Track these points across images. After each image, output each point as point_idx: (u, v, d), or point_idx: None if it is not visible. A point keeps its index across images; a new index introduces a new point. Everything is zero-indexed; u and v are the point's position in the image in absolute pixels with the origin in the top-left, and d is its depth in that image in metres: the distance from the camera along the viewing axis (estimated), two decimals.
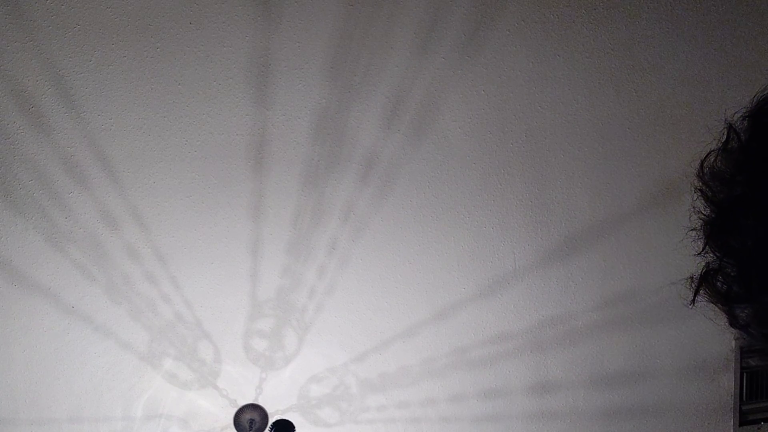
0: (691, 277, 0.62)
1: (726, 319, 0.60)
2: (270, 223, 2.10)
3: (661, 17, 1.75)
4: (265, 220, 2.09)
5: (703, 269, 0.60)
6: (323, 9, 1.69)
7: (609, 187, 2.09)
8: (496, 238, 2.19)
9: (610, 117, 1.94)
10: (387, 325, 2.38)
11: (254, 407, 2.40)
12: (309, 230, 2.12)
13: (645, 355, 2.48)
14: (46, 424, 2.43)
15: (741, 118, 0.57)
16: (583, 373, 2.52)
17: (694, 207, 0.60)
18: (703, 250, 0.60)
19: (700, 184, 0.60)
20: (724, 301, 0.59)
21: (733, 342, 2.44)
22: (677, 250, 2.19)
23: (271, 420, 2.37)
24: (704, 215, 0.60)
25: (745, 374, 2.49)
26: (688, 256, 0.63)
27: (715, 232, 0.59)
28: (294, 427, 2.23)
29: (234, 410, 2.41)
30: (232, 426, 2.40)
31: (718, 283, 0.59)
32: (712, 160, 0.59)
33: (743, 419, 2.55)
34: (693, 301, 0.62)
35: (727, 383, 2.53)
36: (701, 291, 0.60)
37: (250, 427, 2.35)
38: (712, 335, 2.40)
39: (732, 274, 0.58)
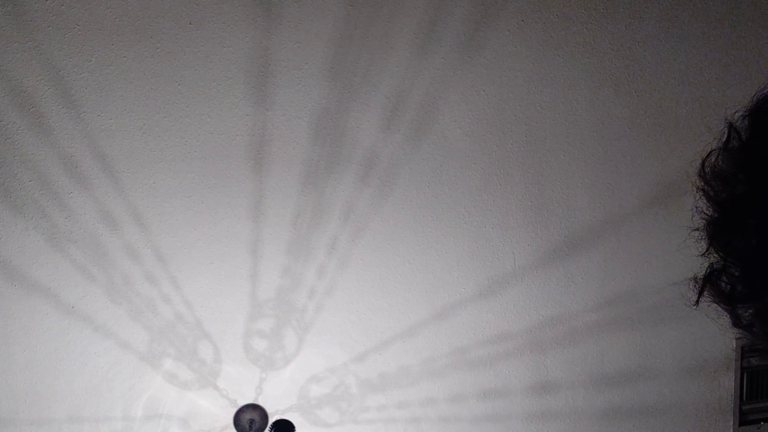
0: (695, 278, 0.62)
1: (729, 319, 0.60)
2: (270, 223, 2.10)
3: (661, 17, 1.75)
4: (265, 220, 2.09)
5: (706, 270, 0.60)
6: (323, 9, 1.69)
7: (609, 187, 2.09)
8: (496, 238, 2.19)
9: (610, 117, 1.94)
10: (387, 325, 2.38)
11: (254, 407, 2.40)
12: (309, 230, 2.12)
13: (645, 355, 2.48)
14: (46, 424, 2.43)
15: (741, 117, 0.57)
16: (583, 373, 2.52)
17: (696, 207, 0.60)
18: (706, 251, 0.60)
19: (702, 183, 0.59)
20: (728, 301, 0.59)
21: (734, 342, 2.44)
22: (678, 249, 2.19)
23: (271, 420, 2.37)
24: (707, 215, 0.60)
25: (745, 374, 2.49)
26: (688, 256, 0.63)
27: (718, 231, 0.59)
28: (294, 427, 2.23)
29: (234, 410, 2.41)
30: (232, 426, 2.40)
31: (722, 283, 0.59)
32: (714, 159, 0.59)
33: (743, 419, 2.55)
34: (697, 302, 0.61)
35: (728, 383, 2.53)
36: (705, 292, 0.60)
37: (250, 427, 2.35)
38: (712, 335, 2.40)
39: (736, 274, 0.57)
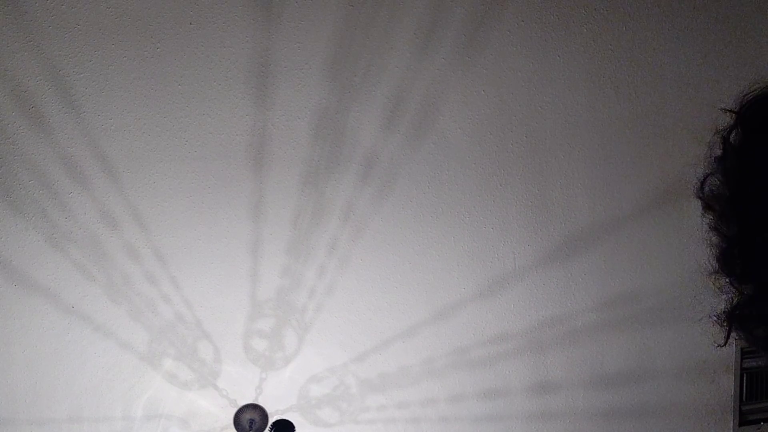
0: (718, 316, 0.59)
1: (748, 341, 0.57)
2: (270, 223, 2.10)
3: (660, 18, 1.75)
4: (265, 220, 2.09)
5: (728, 307, 0.57)
6: (323, 9, 1.69)
7: (609, 187, 2.08)
8: (496, 238, 2.19)
9: (610, 118, 1.94)
10: (387, 325, 2.38)
11: (254, 407, 2.40)
12: (309, 230, 2.12)
13: (645, 356, 2.47)
14: (46, 424, 2.43)
15: (731, 125, 0.55)
16: (583, 373, 2.52)
17: (709, 241, 0.58)
18: (725, 285, 0.57)
19: (708, 211, 0.57)
20: (757, 326, 0.56)
21: (734, 343, 2.44)
22: (677, 250, 2.20)
23: (271, 420, 2.37)
24: (719, 246, 0.57)
25: (745, 375, 2.49)
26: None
27: (736, 263, 0.56)
28: (294, 427, 2.23)
29: (234, 410, 2.41)
30: (232, 426, 2.40)
31: (745, 312, 0.56)
32: (714, 184, 0.57)
33: (743, 420, 2.55)
34: (725, 343, 0.59)
35: (727, 384, 2.53)
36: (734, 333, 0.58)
37: (250, 427, 2.35)
38: (712, 336, 2.39)
39: (761, 303, 0.55)
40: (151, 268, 2.15)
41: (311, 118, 1.89)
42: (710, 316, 0.59)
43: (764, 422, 2.55)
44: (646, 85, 1.87)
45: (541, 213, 2.14)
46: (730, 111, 0.56)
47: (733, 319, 0.57)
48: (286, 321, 2.34)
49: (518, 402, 2.59)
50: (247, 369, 2.41)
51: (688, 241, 2.14)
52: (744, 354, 2.44)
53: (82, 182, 1.94)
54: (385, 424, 2.60)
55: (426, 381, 2.53)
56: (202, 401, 2.47)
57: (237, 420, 2.39)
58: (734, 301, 0.57)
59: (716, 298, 0.59)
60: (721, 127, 0.57)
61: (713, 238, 0.58)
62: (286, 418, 2.31)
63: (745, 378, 2.49)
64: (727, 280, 0.57)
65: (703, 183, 0.58)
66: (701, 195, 0.58)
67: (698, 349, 2.45)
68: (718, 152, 0.57)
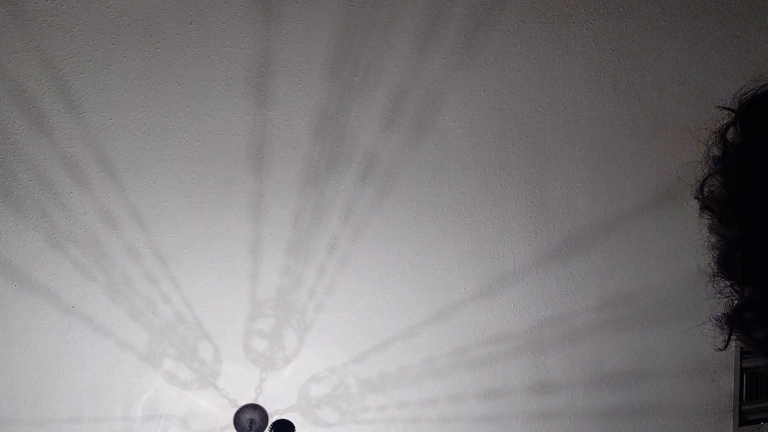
0: (718, 319, 0.58)
1: (746, 343, 0.57)
2: (270, 223, 2.10)
3: (660, 18, 1.75)
4: (265, 220, 2.09)
5: (728, 310, 0.57)
6: (323, 9, 1.69)
7: (609, 187, 2.09)
8: (496, 238, 2.19)
9: (610, 117, 1.94)
10: (387, 325, 2.38)
11: (254, 407, 2.40)
12: (309, 230, 2.12)
13: (645, 356, 2.48)
14: (46, 424, 2.43)
15: (729, 124, 0.55)
16: (583, 373, 2.52)
17: (708, 243, 0.57)
18: (724, 289, 0.56)
19: (707, 213, 0.56)
20: (756, 329, 0.56)
21: (733, 343, 2.43)
22: (677, 250, 2.20)
23: (271, 420, 2.37)
24: (719, 249, 0.56)
25: (745, 375, 2.50)
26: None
27: (737, 267, 0.55)
28: (294, 427, 2.23)
29: (234, 410, 2.41)
30: (232, 426, 2.40)
31: (746, 315, 0.55)
32: (713, 185, 0.56)
33: (743, 419, 2.55)
34: (725, 347, 0.58)
35: (727, 384, 2.53)
36: (734, 336, 0.57)
37: (250, 427, 2.35)
38: (712, 340, 2.39)
39: (761, 306, 0.54)
40: (151, 268, 2.15)
41: (311, 118, 1.89)
42: (710, 319, 0.59)
43: (764, 422, 2.55)
44: (646, 85, 1.88)
45: (541, 213, 2.14)
46: (729, 109, 0.55)
47: (734, 323, 0.57)
48: (286, 321, 2.34)
49: (518, 402, 2.59)
50: (247, 369, 2.41)
51: (688, 241, 2.14)
52: (744, 354, 2.44)
53: (82, 182, 1.94)
54: (385, 424, 2.60)
55: (426, 381, 2.53)
56: (202, 401, 2.47)
57: (237, 420, 2.39)
58: (734, 304, 0.57)
59: (716, 300, 0.58)
60: (717, 126, 0.56)
61: (713, 240, 0.57)
62: (286, 418, 2.31)
63: (745, 378, 2.50)
64: (728, 283, 0.56)
65: (702, 184, 0.57)
66: (700, 196, 0.57)
67: (698, 349, 2.45)
68: (716, 152, 0.56)
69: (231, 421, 2.40)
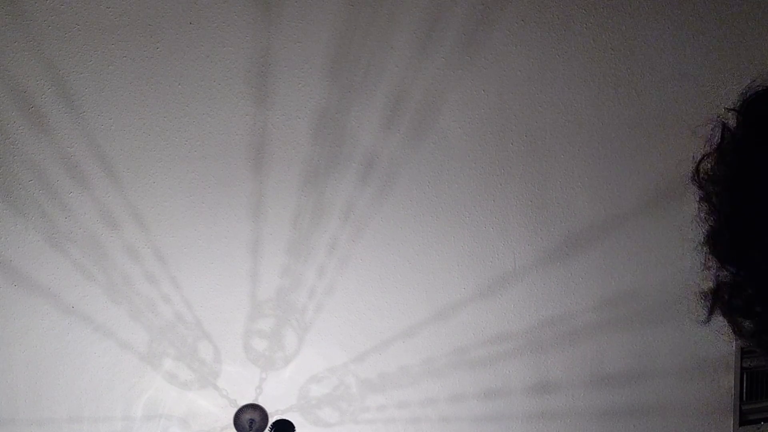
0: (703, 293, 0.59)
1: (734, 331, 0.57)
2: (270, 223, 2.10)
3: (661, 17, 1.75)
4: (265, 220, 2.09)
5: (715, 284, 0.57)
6: (323, 9, 1.69)
7: (609, 187, 2.09)
8: (496, 238, 2.19)
9: (610, 117, 1.94)
10: (387, 325, 2.38)
11: (254, 407, 2.40)
12: (309, 230, 2.12)
13: (645, 355, 2.48)
14: (46, 424, 2.43)
15: (732, 115, 0.55)
16: (583, 373, 2.52)
17: (698, 217, 0.58)
18: (708, 264, 0.57)
19: (701, 191, 0.57)
20: (738, 316, 0.56)
21: (734, 342, 2.44)
22: (677, 249, 2.20)
23: (271, 420, 2.37)
24: (710, 225, 0.57)
25: (745, 374, 2.50)
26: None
27: (725, 244, 0.56)
28: (294, 427, 2.23)
29: (234, 410, 2.41)
30: (232, 426, 2.40)
31: (734, 301, 0.56)
32: (709, 164, 0.57)
33: (743, 419, 2.55)
34: (708, 319, 0.59)
35: (727, 383, 2.53)
36: (717, 309, 0.57)
37: (250, 427, 2.35)
38: (712, 335, 2.40)
39: (749, 291, 0.55)
40: (151, 268, 2.15)
41: (311, 118, 1.89)
42: (695, 293, 0.59)
43: (764, 422, 2.55)
44: (646, 84, 1.88)
45: (541, 213, 2.14)
46: (734, 110, 0.55)
47: (718, 299, 0.57)
48: (286, 321, 2.34)
49: (518, 402, 2.59)
50: (247, 369, 2.41)
51: (688, 241, 2.14)
52: (744, 353, 2.44)
53: (82, 182, 1.94)
54: (385, 424, 2.60)
55: (426, 381, 2.53)
56: (202, 401, 2.47)
57: (237, 420, 2.39)
58: (719, 278, 0.57)
59: (702, 274, 0.59)
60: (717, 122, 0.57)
61: (702, 215, 0.58)
62: (286, 418, 2.31)
63: (745, 377, 2.50)
64: (714, 258, 0.57)
65: (698, 164, 0.58)
66: (695, 176, 0.58)
67: (698, 349, 2.45)
68: (716, 138, 0.56)
69: (231, 421, 2.40)
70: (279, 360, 2.41)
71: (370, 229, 2.13)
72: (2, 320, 2.18)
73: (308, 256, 2.18)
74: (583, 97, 1.90)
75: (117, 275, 2.14)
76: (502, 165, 2.03)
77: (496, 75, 1.85)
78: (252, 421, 2.37)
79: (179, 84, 1.79)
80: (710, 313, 0.59)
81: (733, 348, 2.46)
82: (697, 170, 0.58)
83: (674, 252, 2.20)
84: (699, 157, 0.57)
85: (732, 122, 0.55)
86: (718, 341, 2.43)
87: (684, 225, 2.14)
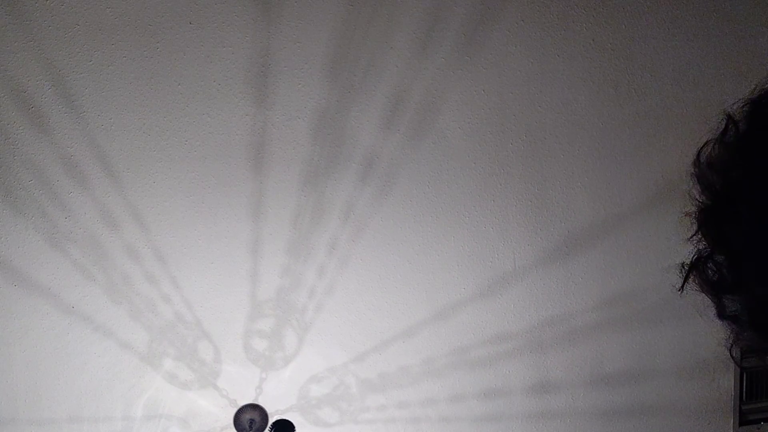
0: (683, 264, 0.61)
1: (714, 310, 0.59)
2: (270, 223, 2.10)
3: (660, 17, 1.75)
4: (265, 220, 2.09)
5: (693, 256, 0.59)
6: (323, 9, 1.69)
7: (609, 187, 2.08)
8: (496, 238, 2.19)
9: (610, 117, 1.94)
10: (387, 325, 2.38)
11: (254, 407, 2.40)
12: (309, 230, 2.12)
13: (645, 355, 2.48)
14: (46, 424, 2.43)
15: (740, 108, 0.56)
16: (583, 373, 2.52)
17: (689, 194, 0.60)
18: (694, 236, 0.59)
19: (696, 170, 0.59)
20: (714, 289, 0.58)
21: (734, 343, 2.43)
22: (677, 249, 2.19)
23: (271, 420, 2.37)
24: (699, 202, 0.59)
25: (745, 374, 2.49)
26: (689, 255, 0.63)
27: (710, 218, 0.58)
28: (294, 427, 2.23)
29: (234, 410, 2.41)
30: (232, 426, 2.40)
31: (709, 271, 0.58)
32: (709, 149, 0.58)
33: (743, 419, 2.55)
34: (682, 287, 0.61)
35: (727, 383, 2.53)
36: (691, 279, 0.60)
37: (250, 427, 2.35)
38: (712, 335, 2.39)
39: (723, 263, 0.57)
40: (151, 268, 2.15)
41: (311, 118, 1.89)
42: (676, 265, 0.61)
43: (764, 422, 2.55)
44: (646, 84, 1.87)
45: (541, 213, 2.14)
46: (745, 104, 0.56)
47: (694, 268, 0.58)
48: (286, 321, 2.34)
49: (518, 402, 2.59)
50: (247, 369, 2.41)
51: (688, 240, 2.14)
52: (744, 353, 2.44)
53: (82, 182, 1.94)
54: (385, 424, 2.60)
55: (426, 381, 2.53)
56: (202, 401, 2.47)
57: (237, 420, 2.39)
58: (700, 252, 0.59)
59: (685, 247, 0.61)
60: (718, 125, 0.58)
61: (693, 191, 0.59)
62: (286, 418, 2.31)
63: (745, 377, 2.49)
64: (703, 236, 0.58)
65: (699, 151, 0.59)
66: (696, 162, 0.59)
67: (698, 349, 2.45)
68: (721, 128, 0.57)
69: (231, 421, 2.40)
70: (279, 360, 2.41)
71: (370, 229, 2.13)
72: (2, 320, 2.18)
73: (308, 256, 2.18)
74: (583, 97, 1.90)
75: (117, 275, 2.14)
76: (502, 165, 2.03)
77: (496, 75, 1.85)
78: (252, 421, 2.37)
79: (179, 84, 1.79)
80: (684, 281, 0.61)
81: (734, 348, 2.45)
82: (698, 155, 0.59)
83: (674, 252, 2.20)
84: (703, 142, 0.59)
85: (739, 115, 0.56)
86: (718, 341, 2.42)
87: (684, 225, 2.14)
